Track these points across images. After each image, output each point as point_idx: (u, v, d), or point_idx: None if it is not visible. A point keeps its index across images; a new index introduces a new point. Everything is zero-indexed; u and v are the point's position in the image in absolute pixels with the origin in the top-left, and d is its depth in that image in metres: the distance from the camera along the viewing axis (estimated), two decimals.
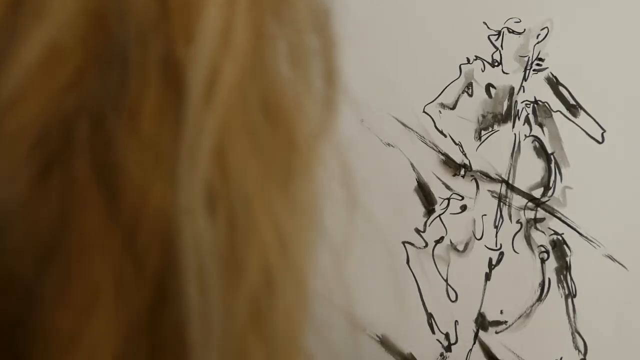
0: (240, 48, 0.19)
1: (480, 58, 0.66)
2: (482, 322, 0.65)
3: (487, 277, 0.65)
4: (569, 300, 0.64)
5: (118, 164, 0.18)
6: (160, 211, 0.19)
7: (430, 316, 0.66)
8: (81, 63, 0.18)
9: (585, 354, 0.63)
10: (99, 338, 0.19)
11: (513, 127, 0.65)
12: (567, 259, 0.64)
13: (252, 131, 0.20)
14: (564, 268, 0.64)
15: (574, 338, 0.63)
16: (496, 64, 0.66)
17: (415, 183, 0.67)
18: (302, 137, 0.21)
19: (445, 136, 0.67)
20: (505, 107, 0.66)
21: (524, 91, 0.65)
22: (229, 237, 0.19)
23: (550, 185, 0.64)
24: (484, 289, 0.65)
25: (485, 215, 0.66)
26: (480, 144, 0.66)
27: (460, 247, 0.66)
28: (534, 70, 0.65)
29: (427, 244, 0.67)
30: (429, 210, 0.67)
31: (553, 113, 0.65)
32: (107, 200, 0.19)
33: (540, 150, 0.65)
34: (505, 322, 0.65)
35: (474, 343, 0.66)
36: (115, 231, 0.19)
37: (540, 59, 0.65)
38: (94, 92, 0.18)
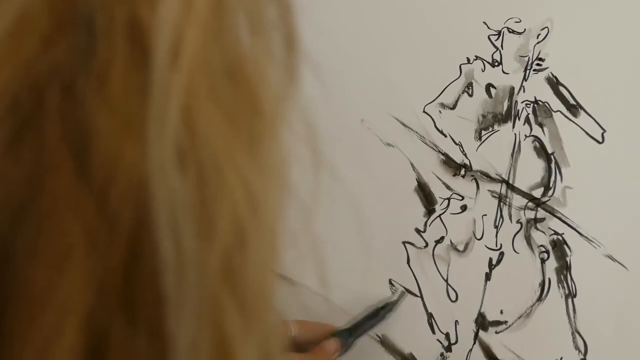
0: (201, 14, 0.20)
1: (481, 58, 0.66)
2: (482, 322, 0.65)
3: (487, 277, 0.65)
4: (569, 300, 0.64)
5: (88, 127, 0.19)
6: (131, 171, 0.19)
7: (430, 316, 0.67)
8: (49, 30, 0.19)
9: (585, 354, 0.63)
10: (71, 293, 0.19)
11: (513, 127, 0.65)
12: (567, 259, 0.64)
13: (217, 94, 0.21)
14: (564, 268, 0.64)
15: (574, 338, 0.63)
16: (496, 64, 0.66)
17: (415, 183, 0.67)
18: (266, 101, 0.22)
19: (446, 136, 0.67)
20: (505, 107, 0.66)
21: (524, 91, 0.65)
22: (199, 194, 0.20)
23: (551, 185, 0.65)
24: (484, 289, 0.65)
25: (485, 215, 0.66)
26: (481, 144, 0.66)
27: (461, 247, 0.66)
28: (534, 70, 0.65)
29: (427, 244, 0.67)
30: (429, 210, 0.67)
31: (553, 113, 0.65)
32: (78, 162, 0.19)
33: (541, 150, 0.65)
34: (505, 322, 0.65)
35: (474, 343, 0.66)
36: (87, 191, 0.19)
37: (541, 59, 0.65)
38: (63, 59, 0.19)
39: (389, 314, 0.66)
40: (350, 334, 0.64)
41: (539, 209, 0.65)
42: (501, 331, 0.65)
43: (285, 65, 0.24)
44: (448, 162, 0.67)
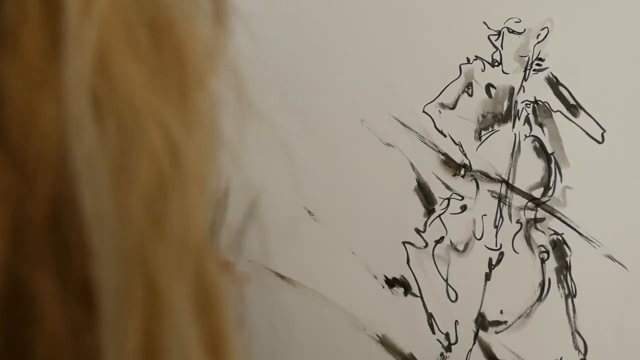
0: None
1: (480, 58, 0.66)
2: (482, 322, 0.66)
3: (487, 277, 0.65)
4: (569, 300, 0.64)
5: (2, 88, 0.20)
6: (49, 126, 0.20)
7: (430, 316, 0.67)
8: None
9: (585, 354, 0.63)
10: None
11: (513, 127, 0.66)
12: (567, 259, 0.64)
13: (136, 45, 0.21)
14: (564, 268, 0.64)
15: (574, 338, 0.64)
16: (496, 64, 0.66)
17: (415, 183, 0.67)
18: (192, 52, 0.23)
19: (445, 136, 0.67)
20: (505, 107, 0.66)
21: (524, 91, 0.65)
22: (118, 144, 0.20)
23: (550, 185, 0.65)
24: (484, 289, 0.66)
25: (485, 215, 0.66)
26: (480, 144, 0.66)
27: (460, 247, 0.66)
28: (534, 70, 0.65)
29: (427, 244, 0.67)
30: (429, 210, 0.67)
31: (553, 113, 0.65)
32: None
33: (540, 150, 0.65)
34: (505, 322, 0.65)
35: (474, 343, 0.66)
36: (2, 150, 0.20)
37: (541, 59, 0.65)
38: None
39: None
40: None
41: (539, 209, 0.65)
42: (501, 331, 0.65)
43: (212, 16, 0.24)
44: (448, 162, 0.67)
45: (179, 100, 0.22)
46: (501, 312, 0.65)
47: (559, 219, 0.64)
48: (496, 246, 0.66)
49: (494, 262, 0.66)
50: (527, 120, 0.65)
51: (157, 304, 0.22)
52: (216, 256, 0.25)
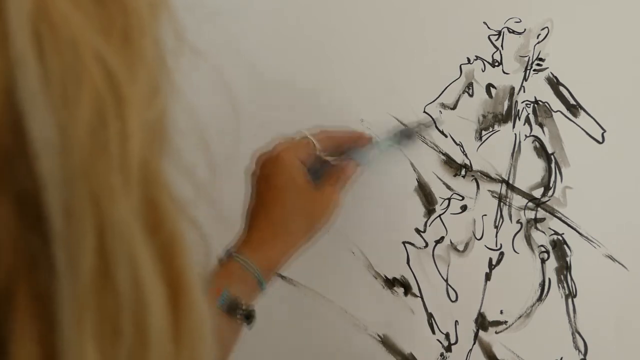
0: None
1: (481, 58, 0.67)
2: (482, 322, 0.66)
3: (487, 277, 0.66)
4: (569, 300, 0.64)
5: None
6: None
7: (430, 316, 0.67)
8: None
9: (585, 354, 0.63)
10: None
11: (513, 127, 0.66)
12: (567, 259, 0.64)
13: None
14: (564, 268, 0.64)
15: (574, 338, 0.64)
16: (496, 64, 0.66)
17: (416, 183, 0.67)
18: (136, 3, 0.26)
19: (446, 136, 0.67)
20: (505, 107, 0.66)
21: (524, 91, 0.66)
22: (60, 77, 0.23)
23: (551, 185, 0.65)
24: (484, 289, 0.66)
25: (485, 215, 0.66)
26: (481, 144, 0.66)
27: (461, 247, 0.67)
28: (534, 70, 0.66)
29: (427, 244, 0.67)
30: (429, 210, 0.67)
31: (553, 113, 0.65)
32: None
33: (541, 150, 0.65)
34: (505, 322, 0.65)
35: (474, 343, 0.66)
36: None
37: (541, 59, 0.65)
38: None
39: (410, 138, 0.67)
40: (369, 153, 0.65)
41: (539, 209, 0.65)
42: (501, 331, 0.66)
43: None
44: (448, 162, 0.67)
45: (121, 43, 0.25)
46: (501, 312, 0.66)
47: (559, 219, 0.65)
48: (496, 246, 0.66)
49: (494, 262, 0.66)
50: (527, 120, 0.66)
51: (105, 222, 0.24)
52: (169, 188, 0.27)
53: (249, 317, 0.55)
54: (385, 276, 0.68)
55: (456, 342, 0.66)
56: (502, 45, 0.67)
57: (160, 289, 0.25)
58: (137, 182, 0.25)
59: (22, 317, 0.23)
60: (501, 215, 0.66)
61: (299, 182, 0.59)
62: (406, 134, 0.67)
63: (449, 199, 0.67)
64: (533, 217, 0.65)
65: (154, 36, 0.26)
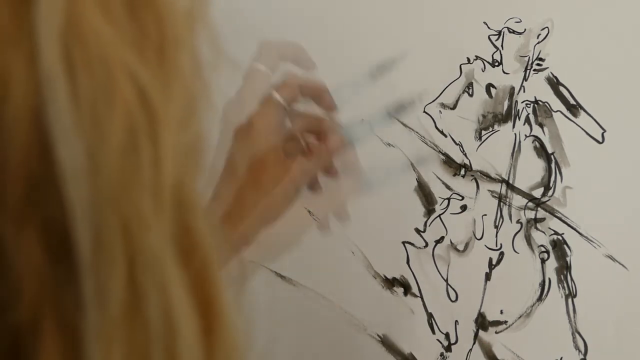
0: None
1: (481, 58, 0.67)
2: (482, 322, 0.66)
3: (487, 277, 0.66)
4: (569, 300, 0.64)
5: None
6: (23, 84, 0.21)
7: (430, 316, 0.67)
8: None
9: (585, 354, 0.64)
10: None
11: (513, 127, 0.66)
12: (567, 259, 0.64)
13: (107, 7, 0.23)
14: (564, 268, 0.64)
15: (574, 338, 0.64)
16: (496, 64, 0.67)
17: (416, 183, 0.68)
18: (172, 14, 0.24)
19: (446, 136, 0.67)
20: (505, 107, 0.66)
21: (524, 91, 0.66)
22: (90, 98, 0.22)
23: (551, 185, 0.65)
24: (484, 289, 0.66)
25: (485, 215, 0.66)
26: (481, 143, 0.67)
27: (461, 247, 0.67)
28: (534, 70, 0.66)
29: (427, 244, 0.67)
30: (429, 210, 0.67)
31: (553, 113, 0.65)
32: None
33: (541, 150, 0.65)
34: (505, 322, 0.66)
35: (474, 343, 0.66)
36: None
37: (541, 59, 0.66)
38: None
39: (393, 115, 0.66)
40: (357, 129, 0.63)
41: (539, 209, 0.65)
42: (501, 331, 0.66)
43: None
44: (448, 162, 0.67)
45: (155, 58, 0.24)
46: (501, 312, 0.66)
47: (559, 219, 0.65)
48: (496, 246, 0.66)
49: (494, 262, 0.66)
50: (527, 120, 0.66)
51: (136, 251, 0.22)
52: (204, 210, 0.26)
53: None
54: (385, 276, 0.68)
55: (456, 342, 0.67)
56: (502, 45, 0.67)
57: (192, 319, 0.24)
58: (170, 208, 0.24)
59: (48, 349, 0.22)
60: (501, 215, 0.66)
61: (271, 152, 0.57)
62: (395, 110, 0.66)
63: (449, 199, 0.67)
64: (533, 217, 0.65)
65: (191, 50, 0.25)
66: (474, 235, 0.67)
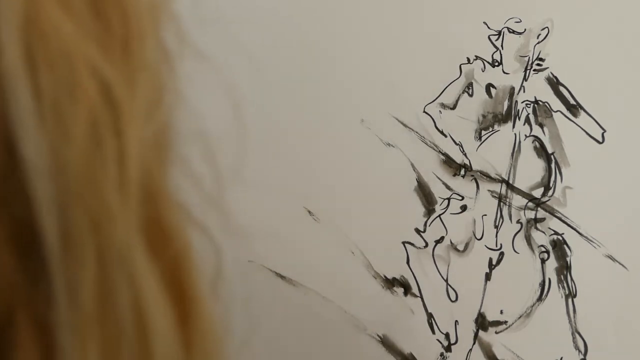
0: None
1: (481, 58, 0.67)
2: (482, 322, 0.66)
3: (487, 277, 0.66)
4: (569, 300, 0.64)
5: None
6: None
7: (430, 316, 0.67)
8: None
9: (585, 354, 0.64)
10: None
11: (513, 127, 0.66)
12: (567, 259, 0.64)
13: (68, 3, 0.23)
14: (564, 268, 0.65)
15: (574, 338, 0.64)
16: (496, 64, 0.67)
17: (415, 183, 0.68)
18: (136, 7, 0.24)
19: (446, 136, 0.68)
20: (505, 107, 0.66)
21: (524, 91, 0.66)
22: (53, 94, 0.22)
23: (551, 185, 0.65)
24: (484, 289, 0.66)
25: (485, 215, 0.66)
26: (481, 144, 0.67)
27: (461, 247, 0.67)
28: (534, 70, 0.66)
29: (427, 244, 0.67)
30: (429, 210, 0.67)
31: (553, 113, 0.65)
32: None
33: (541, 150, 0.65)
34: (505, 322, 0.66)
35: (474, 343, 0.66)
36: None
37: (541, 59, 0.66)
38: None
39: None
40: None
41: (539, 209, 0.65)
42: (501, 331, 0.66)
43: None
44: (448, 162, 0.67)
45: (119, 52, 0.24)
46: (501, 312, 0.66)
47: (559, 219, 0.65)
48: (496, 246, 0.66)
49: (494, 262, 0.66)
50: (527, 120, 0.66)
51: (105, 246, 0.23)
52: (174, 203, 0.26)
53: None
54: (385, 276, 0.68)
55: (456, 342, 0.67)
56: (502, 45, 0.67)
57: (165, 310, 0.24)
58: (137, 201, 0.24)
59: (24, 347, 0.22)
60: (501, 215, 0.66)
61: None
62: None
63: (449, 199, 0.67)
64: (533, 217, 0.65)
65: (155, 42, 0.25)
66: (474, 235, 0.67)
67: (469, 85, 0.67)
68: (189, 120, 0.28)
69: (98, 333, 0.23)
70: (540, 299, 0.65)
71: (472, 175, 0.67)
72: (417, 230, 0.68)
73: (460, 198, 0.67)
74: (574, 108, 0.65)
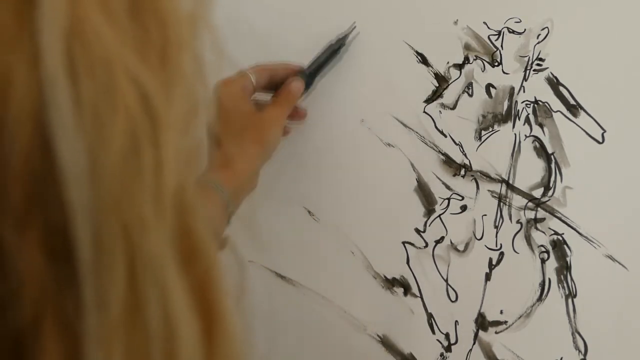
0: None
1: (481, 58, 0.67)
2: (482, 322, 0.66)
3: (487, 277, 0.66)
4: (569, 300, 0.64)
5: None
6: (25, 87, 0.21)
7: (430, 316, 0.67)
8: None
9: (585, 354, 0.64)
10: None
11: (513, 127, 0.66)
12: (567, 259, 0.65)
13: (110, 10, 0.23)
14: (564, 268, 0.65)
15: (574, 338, 0.64)
16: (496, 64, 0.67)
17: (415, 183, 0.68)
18: (174, 17, 0.24)
19: (446, 136, 0.68)
20: (505, 107, 0.66)
21: (524, 91, 0.66)
22: (92, 101, 0.22)
23: (551, 185, 0.65)
24: (484, 289, 0.66)
25: (485, 215, 0.66)
26: (481, 144, 0.67)
27: (461, 247, 0.67)
28: (534, 70, 0.66)
29: (427, 244, 0.68)
30: (429, 210, 0.68)
31: (553, 113, 0.65)
32: None
33: (541, 150, 0.65)
34: (505, 322, 0.66)
35: (474, 343, 0.66)
36: None
37: (541, 59, 0.66)
38: None
39: (344, 48, 0.69)
40: (311, 74, 0.68)
41: (539, 209, 0.65)
42: (501, 331, 0.66)
43: None
44: (448, 162, 0.67)
45: (158, 61, 0.24)
46: (501, 312, 0.66)
47: (559, 219, 0.65)
48: (496, 246, 0.66)
49: (494, 262, 0.66)
50: (527, 120, 0.66)
51: (136, 254, 0.23)
52: (203, 216, 0.26)
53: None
54: (385, 276, 0.68)
55: (456, 342, 0.67)
56: (502, 45, 0.67)
57: (192, 322, 0.24)
58: (171, 212, 0.24)
59: (49, 351, 0.22)
60: (501, 215, 0.66)
61: (242, 106, 0.62)
62: (339, 44, 0.68)
63: (449, 199, 0.67)
64: (533, 217, 0.66)
65: (193, 53, 0.25)
66: (474, 235, 0.67)
67: (469, 86, 0.67)
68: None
69: (124, 341, 0.23)
70: (540, 299, 0.65)
71: (472, 175, 0.67)
72: (417, 230, 0.68)
73: (460, 198, 0.67)
74: (573, 108, 0.65)
